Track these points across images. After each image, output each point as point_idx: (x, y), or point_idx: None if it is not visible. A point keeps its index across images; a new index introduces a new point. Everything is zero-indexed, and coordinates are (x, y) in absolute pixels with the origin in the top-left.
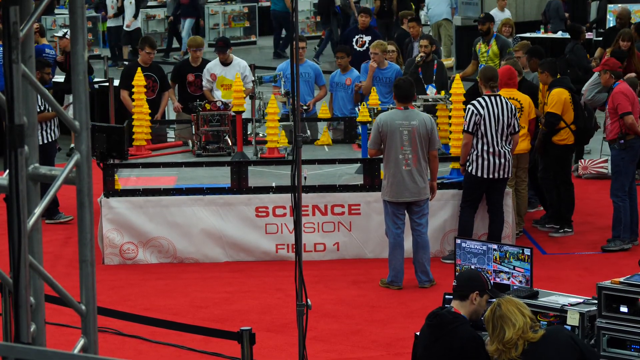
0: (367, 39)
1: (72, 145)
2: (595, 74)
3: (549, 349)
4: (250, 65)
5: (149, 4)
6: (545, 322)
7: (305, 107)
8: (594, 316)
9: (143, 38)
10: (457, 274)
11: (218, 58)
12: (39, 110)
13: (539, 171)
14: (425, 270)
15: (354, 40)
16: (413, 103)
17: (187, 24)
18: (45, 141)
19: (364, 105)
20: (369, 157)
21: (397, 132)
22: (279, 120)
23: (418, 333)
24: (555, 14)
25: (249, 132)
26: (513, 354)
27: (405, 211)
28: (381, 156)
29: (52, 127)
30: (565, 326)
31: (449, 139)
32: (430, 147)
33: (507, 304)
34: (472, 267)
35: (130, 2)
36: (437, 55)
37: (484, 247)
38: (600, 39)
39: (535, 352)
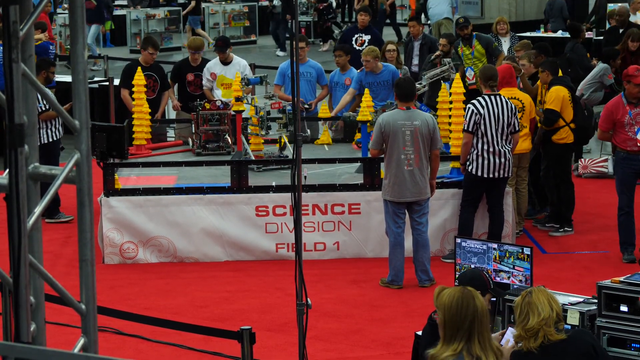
0: (366, 38)
1: None
2: (591, 73)
3: (566, 353)
4: (250, 65)
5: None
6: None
7: (307, 106)
8: (594, 315)
9: (146, 38)
10: (458, 274)
11: (218, 57)
12: (43, 109)
13: (541, 170)
14: (426, 269)
15: (354, 39)
16: (419, 83)
17: (92, 30)
18: (50, 140)
19: (363, 102)
20: (370, 157)
21: (399, 132)
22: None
23: (419, 332)
24: (558, 13)
25: (248, 132)
26: (532, 344)
27: (406, 210)
28: (382, 156)
29: (57, 126)
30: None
31: (449, 138)
32: (432, 146)
33: (538, 293)
34: (472, 266)
35: None
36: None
37: (484, 247)
38: (601, 38)
39: (551, 354)
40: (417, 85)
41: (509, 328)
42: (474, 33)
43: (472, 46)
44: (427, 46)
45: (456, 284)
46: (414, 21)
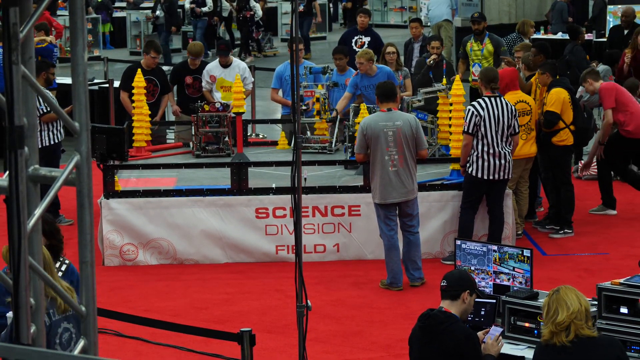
0: (366, 39)
1: None
2: None
3: (592, 356)
4: (250, 67)
5: (144, 5)
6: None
7: (304, 107)
8: (594, 317)
9: (149, 42)
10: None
11: (218, 59)
12: (44, 111)
13: (542, 172)
14: (419, 267)
15: (353, 41)
16: (415, 98)
17: None
18: (52, 142)
19: (363, 105)
20: (357, 162)
21: (381, 134)
22: (280, 121)
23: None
24: (558, 15)
25: (249, 134)
26: (563, 338)
27: (397, 212)
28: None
29: (58, 128)
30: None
31: (450, 140)
32: (418, 147)
33: (566, 290)
34: (472, 268)
35: None
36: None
37: (484, 248)
38: (601, 40)
39: (581, 349)
40: (413, 99)
41: (493, 326)
42: (487, 32)
43: (483, 44)
44: (426, 49)
45: (444, 283)
46: (416, 22)
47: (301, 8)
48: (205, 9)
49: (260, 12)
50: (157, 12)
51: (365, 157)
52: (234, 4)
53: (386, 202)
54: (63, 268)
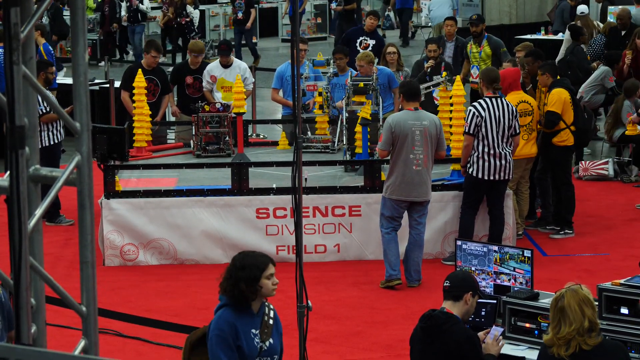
0: (371, 42)
1: None
2: (593, 76)
3: None
4: (250, 67)
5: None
6: (547, 324)
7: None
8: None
9: (149, 41)
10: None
11: (219, 60)
12: (44, 111)
13: (536, 171)
14: (419, 269)
15: (358, 41)
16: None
17: None
18: (52, 142)
19: (368, 102)
20: (380, 158)
21: (409, 133)
22: (281, 121)
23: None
24: (560, 14)
25: (249, 134)
26: (562, 352)
27: (406, 210)
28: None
29: (58, 129)
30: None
31: (450, 140)
32: (438, 147)
33: (570, 299)
34: (473, 268)
35: None
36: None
37: (485, 249)
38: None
39: None
40: None
41: (494, 326)
42: (486, 34)
43: (481, 46)
44: (460, 49)
45: (447, 283)
46: (451, 20)
47: (240, 15)
48: (143, 8)
49: (196, 17)
50: (44, 20)
51: (388, 153)
52: (170, 10)
53: (406, 199)
54: (272, 314)
